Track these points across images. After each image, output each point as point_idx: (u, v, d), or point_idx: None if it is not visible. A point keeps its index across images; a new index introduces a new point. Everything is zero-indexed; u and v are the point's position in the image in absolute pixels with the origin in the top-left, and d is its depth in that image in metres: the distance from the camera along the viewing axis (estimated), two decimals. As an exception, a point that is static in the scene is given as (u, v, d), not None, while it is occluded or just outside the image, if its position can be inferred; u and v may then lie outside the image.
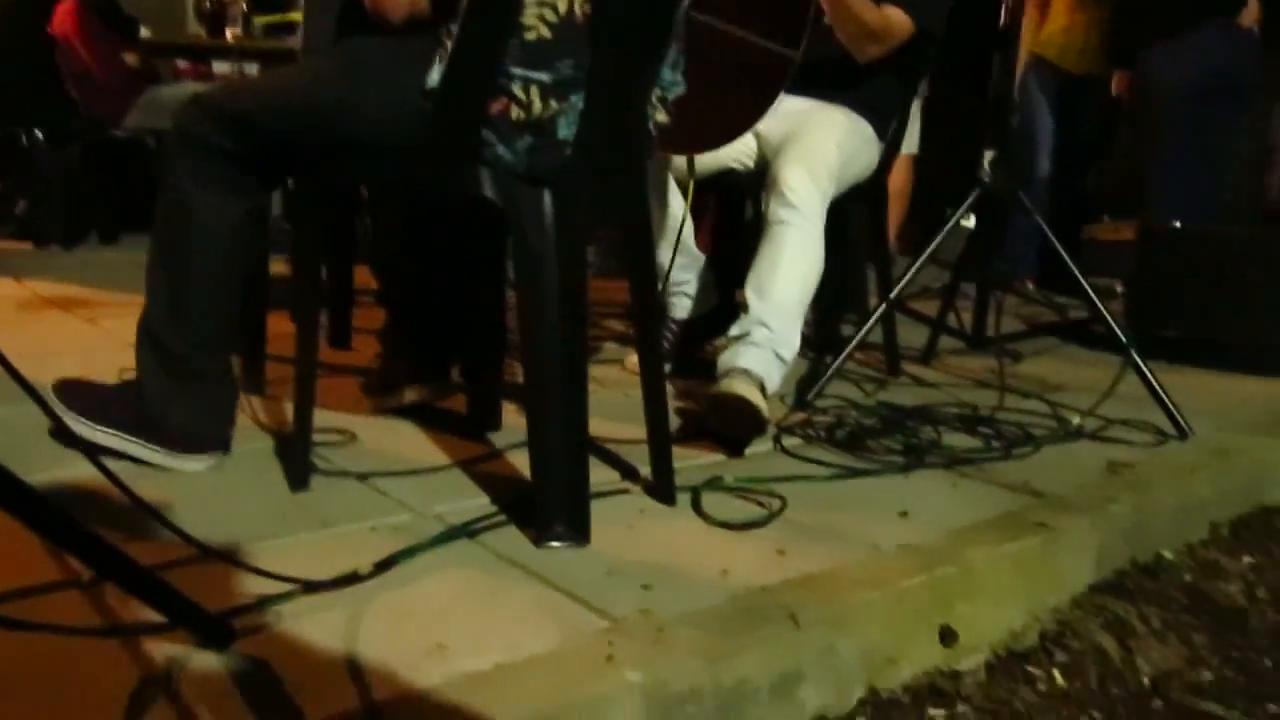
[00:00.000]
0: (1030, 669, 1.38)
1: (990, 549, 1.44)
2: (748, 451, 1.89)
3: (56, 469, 1.54)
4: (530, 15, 1.35)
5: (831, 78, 2.27)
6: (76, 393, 1.65)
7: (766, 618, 1.19)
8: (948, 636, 1.33)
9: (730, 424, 1.89)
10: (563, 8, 1.36)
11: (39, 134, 4.41)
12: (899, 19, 2.24)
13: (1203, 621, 1.55)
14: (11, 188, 4.87)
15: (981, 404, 2.24)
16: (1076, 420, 2.13)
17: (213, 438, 1.63)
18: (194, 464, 1.61)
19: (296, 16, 4.95)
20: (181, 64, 5.79)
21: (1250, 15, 3.49)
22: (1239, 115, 3.73)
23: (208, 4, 5.24)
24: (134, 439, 1.60)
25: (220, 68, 5.71)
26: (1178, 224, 3.11)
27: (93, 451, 1.09)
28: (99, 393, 1.66)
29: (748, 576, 1.31)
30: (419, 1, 1.44)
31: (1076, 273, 2.34)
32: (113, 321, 2.79)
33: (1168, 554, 1.74)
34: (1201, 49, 3.46)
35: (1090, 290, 2.32)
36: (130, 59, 4.47)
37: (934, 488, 1.73)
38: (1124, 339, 2.21)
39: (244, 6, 5.36)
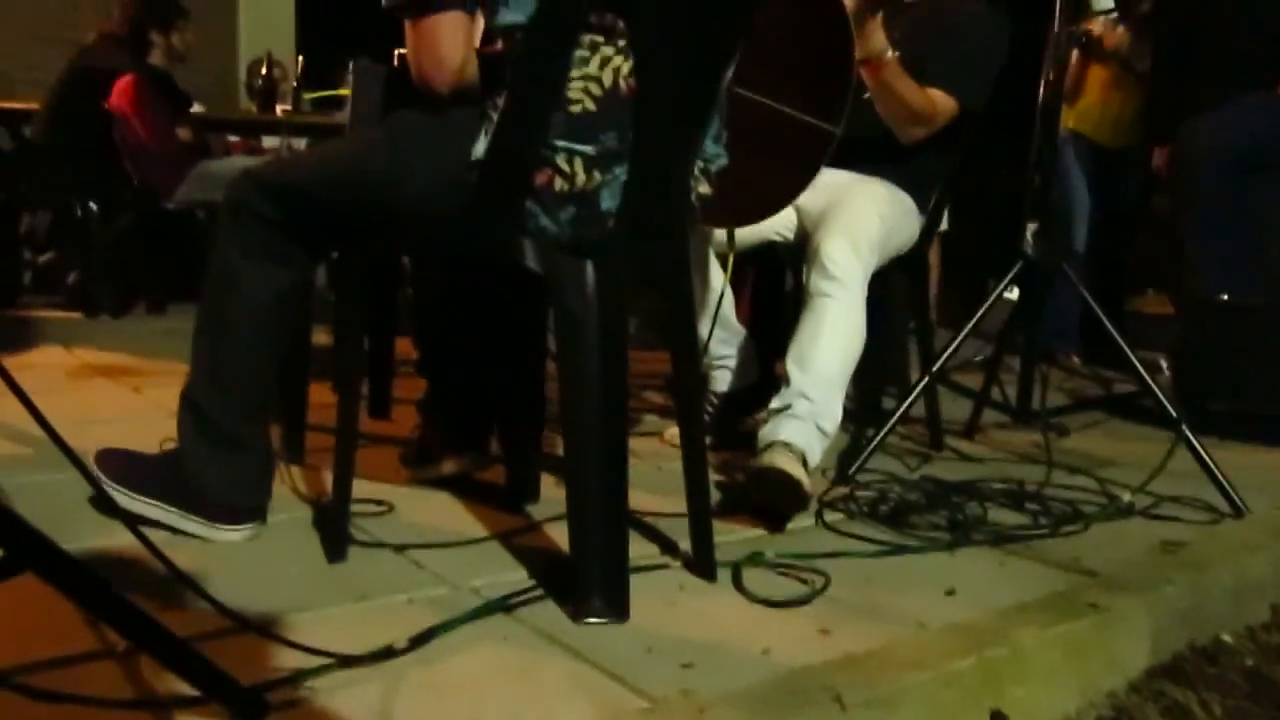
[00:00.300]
0: (1086, 757, 1.32)
1: (1041, 630, 1.40)
2: (789, 526, 1.86)
3: (96, 538, 1.55)
4: (575, 89, 1.37)
5: (872, 152, 2.28)
6: (118, 462, 1.66)
7: (810, 699, 1.15)
8: (999, 721, 1.29)
9: (772, 498, 1.87)
10: (608, 81, 1.38)
11: (93, 206, 4.51)
12: (944, 101, 2.25)
13: (1265, 708, 1.49)
14: (64, 258, 4.98)
15: (1028, 479, 2.19)
16: (1127, 497, 2.08)
17: (249, 508, 1.63)
18: (231, 534, 1.61)
19: (345, 91, 5.07)
20: (232, 139, 5.93)
21: None
22: (1278, 186, 3.70)
23: (260, 80, 5.38)
24: (172, 509, 1.60)
25: (270, 142, 5.85)
26: (1224, 296, 3.06)
27: (131, 520, 1.09)
28: (140, 463, 1.67)
29: (790, 656, 1.28)
30: (465, 72, 1.45)
31: (1124, 345, 2.31)
32: (157, 391, 2.82)
33: (1227, 637, 1.68)
34: (1242, 120, 3.45)
35: (1138, 364, 2.29)
36: (184, 134, 4.59)
37: (980, 565, 1.69)
38: (1174, 414, 2.17)
39: (294, 83, 5.51)
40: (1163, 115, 3.85)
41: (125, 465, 1.65)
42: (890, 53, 2.14)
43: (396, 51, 1.51)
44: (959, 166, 2.44)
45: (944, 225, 3.77)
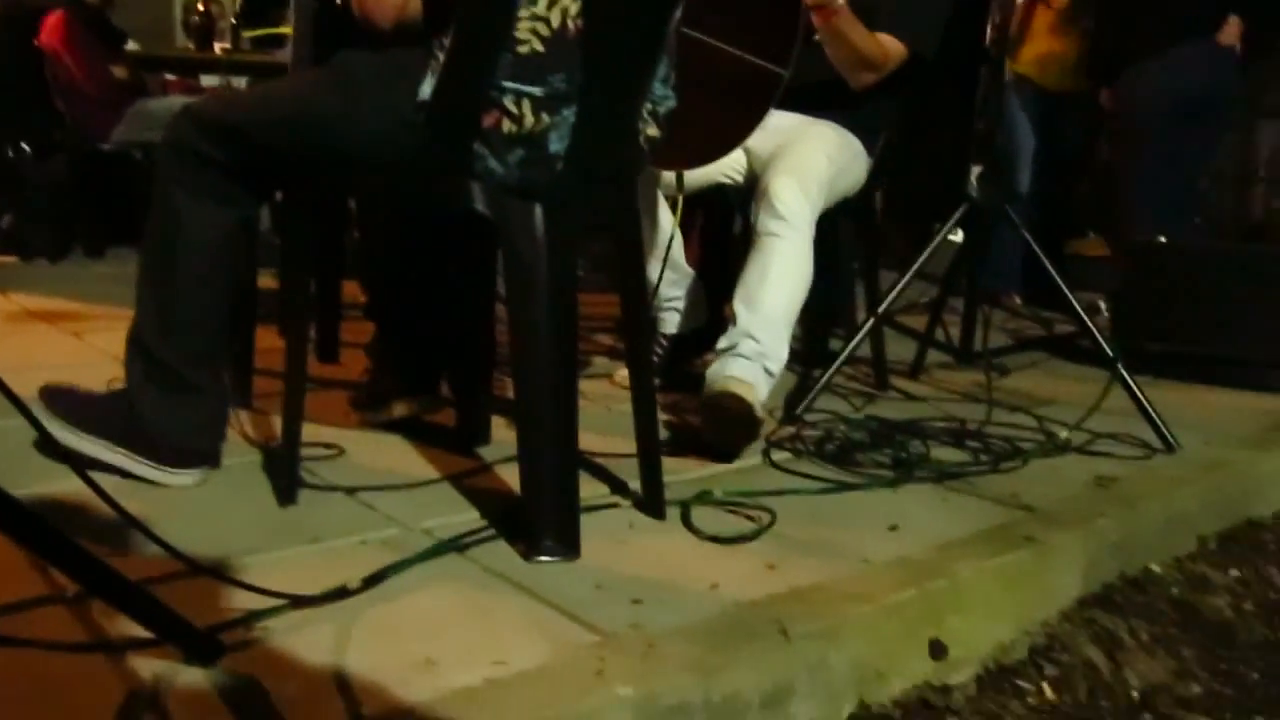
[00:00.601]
0: (1020, 683, 1.38)
1: (979, 563, 1.45)
2: (737, 465, 1.89)
3: (43, 483, 1.53)
4: (523, 29, 1.36)
5: (821, 96, 2.28)
6: (63, 399, 1.63)
7: (757, 632, 1.19)
8: (938, 650, 1.33)
9: (724, 426, 1.89)
10: (555, 22, 1.37)
11: (25, 147, 4.39)
12: (894, 47, 2.25)
13: (1191, 635, 1.56)
14: (-3, 201, 4.86)
15: (969, 418, 2.24)
16: (1064, 434, 2.14)
17: (202, 451, 1.63)
18: (182, 478, 1.60)
19: (286, 30, 4.95)
20: (169, 77, 5.77)
21: (1229, 34, 3.55)
22: (1216, 132, 3.78)
23: (196, 17, 5.23)
24: (121, 449, 1.58)
25: (208, 81, 5.70)
26: (1162, 239, 3.13)
27: (79, 465, 1.08)
28: (87, 400, 1.65)
29: (738, 590, 1.31)
30: (409, 6, 1.43)
31: (1064, 287, 2.35)
32: (99, 335, 2.77)
33: (1155, 568, 1.75)
34: (1182, 67, 3.51)
35: (1077, 305, 2.34)
36: (119, 72, 4.47)
37: (923, 502, 1.74)
38: (1110, 353, 2.22)
39: (233, 20, 5.36)
40: (1106, 58, 3.89)
41: (71, 403, 1.63)
42: None
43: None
44: (907, 109, 2.46)
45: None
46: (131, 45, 4.87)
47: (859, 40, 2.19)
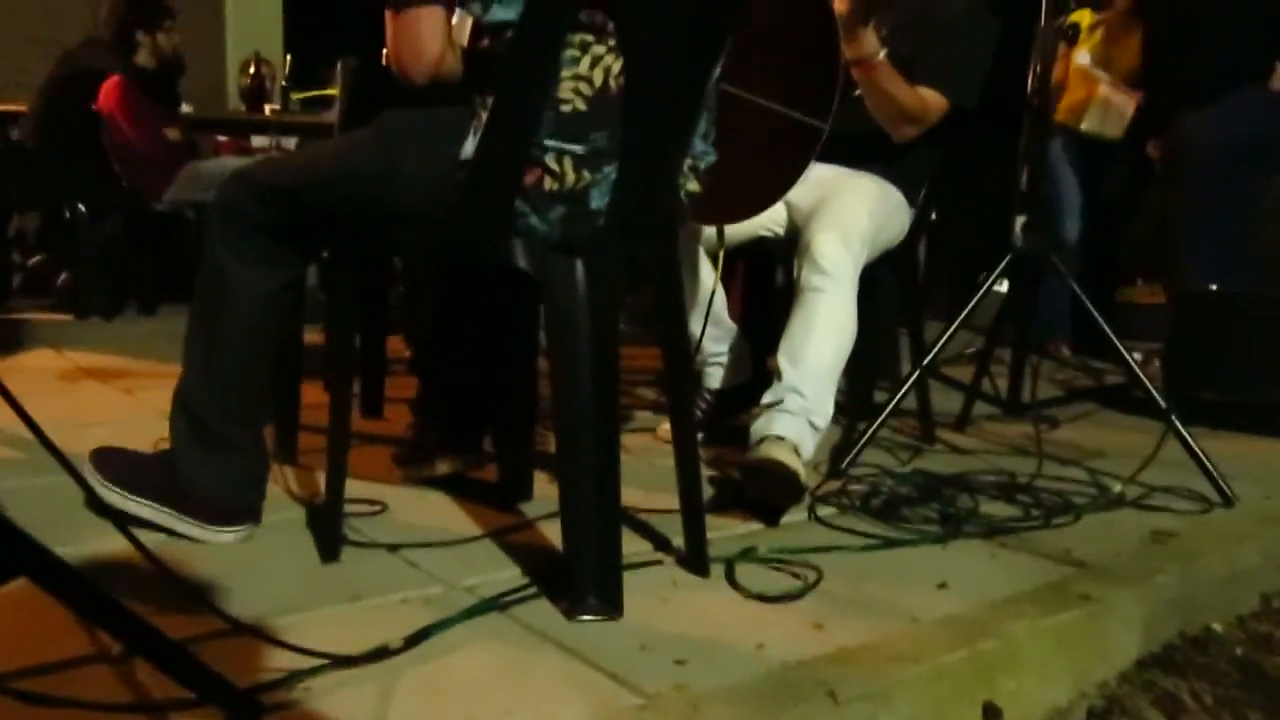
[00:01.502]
0: (1078, 747, 1.33)
1: (1033, 621, 1.41)
2: (782, 521, 1.86)
3: (90, 542, 1.55)
4: (566, 88, 1.37)
5: (862, 148, 2.28)
6: (111, 462, 1.66)
7: (804, 694, 1.16)
8: (991, 714, 1.30)
9: (767, 490, 1.87)
10: (598, 80, 1.38)
11: (81, 207, 4.50)
12: (935, 100, 2.25)
13: (1256, 697, 1.50)
14: (54, 259, 4.97)
15: (1019, 471, 2.20)
16: (1118, 488, 2.09)
17: (243, 509, 1.64)
18: (225, 536, 1.61)
19: (333, 91, 5.06)
20: (221, 139, 5.92)
21: (1279, 80, 3.52)
22: (1268, 177, 3.74)
23: (248, 80, 5.37)
24: (166, 509, 1.60)
25: (259, 142, 5.84)
26: (1214, 286, 3.08)
27: (123, 523, 1.09)
28: (134, 462, 1.67)
29: (784, 650, 1.28)
30: (443, 65, 1.46)
31: (1112, 336, 2.32)
32: (149, 392, 2.81)
33: (1217, 626, 1.69)
34: (1235, 112, 3.49)
35: (1127, 354, 2.30)
36: (172, 134, 4.58)
37: (972, 558, 1.70)
38: (1164, 404, 2.18)
39: (282, 82, 5.50)
40: (1156, 108, 3.87)
41: (119, 465, 1.65)
42: (881, 54, 2.14)
43: (384, 51, 1.51)
44: (948, 160, 2.45)
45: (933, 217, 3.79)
46: (186, 108, 5.00)
47: (899, 93, 2.19)
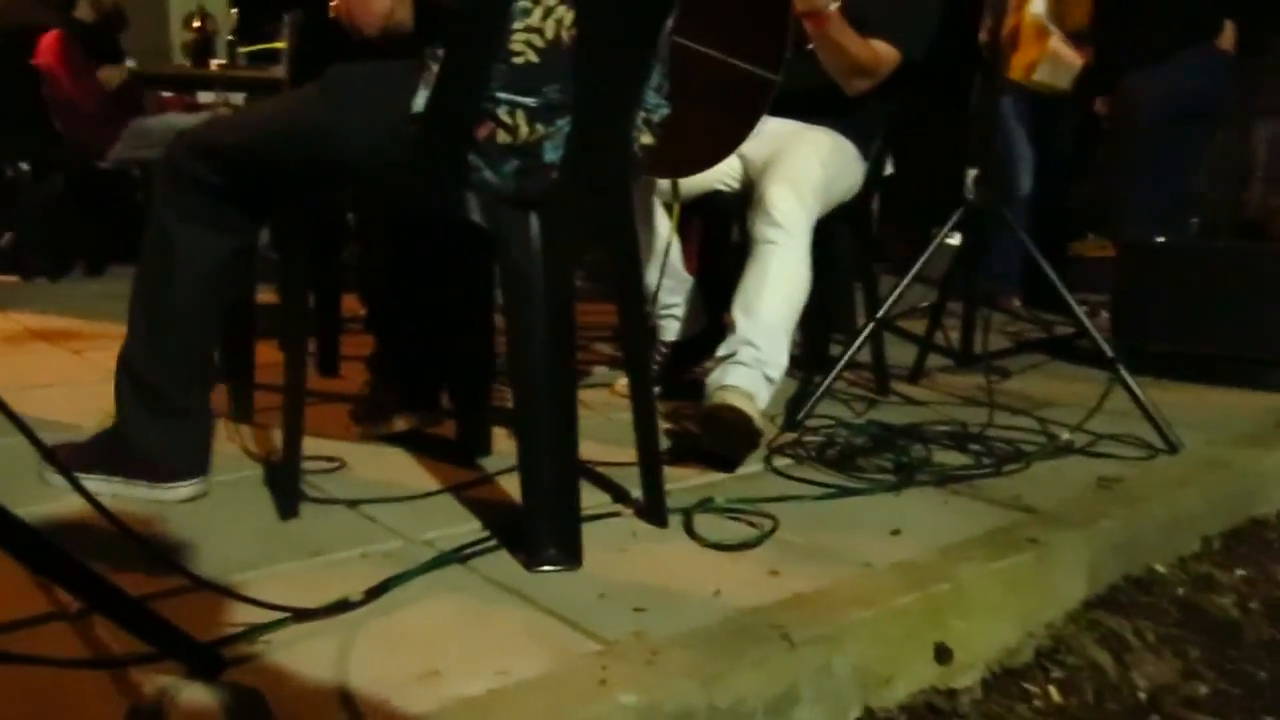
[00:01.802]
0: (1026, 686, 1.37)
1: (983, 565, 1.44)
2: (739, 472, 1.89)
3: (46, 503, 1.54)
4: (517, 40, 1.36)
5: (815, 102, 2.28)
6: (65, 453, 1.63)
7: (760, 638, 1.18)
8: (943, 654, 1.33)
9: (724, 438, 1.89)
10: (550, 33, 1.37)
11: (24, 166, 4.40)
12: (887, 52, 2.25)
13: (1197, 635, 1.55)
14: (-3, 221, 4.87)
15: (971, 421, 2.24)
16: (1066, 436, 2.14)
17: (190, 467, 1.62)
18: (175, 492, 1.60)
19: (281, 45, 4.96)
20: (166, 95, 5.79)
21: (1226, 40, 3.59)
22: (1211, 134, 3.82)
23: (193, 34, 5.25)
24: (116, 478, 1.59)
25: (206, 98, 5.72)
26: (1160, 239, 3.13)
27: (78, 481, 1.08)
28: (82, 446, 1.65)
29: (741, 597, 1.31)
30: (395, 14, 1.44)
31: (1062, 288, 2.36)
32: (98, 353, 2.78)
33: (1160, 568, 1.74)
34: (1181, 72, 3.54)
35: (1076, 306, 2.34)
36: (110, 75, 4.45)
37: (925, 506, 1.73)
38: (1110, 354, 2.22)
39: (228, 37, 5.38)
40: (1104, 67, 3.91)
41: (71, 453, 1.63)
42: (833, 5, 2.14)
43: (331, 3, 1.49)
44: (901, 114, 2.46)
45: (892, 170, 3.82)
46: (129, 63, 4.88)
47: (851, 45, 2.19)
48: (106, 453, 1.60)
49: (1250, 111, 4.82)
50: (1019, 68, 4.23)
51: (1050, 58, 4.20)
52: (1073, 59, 4.16)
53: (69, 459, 1.60)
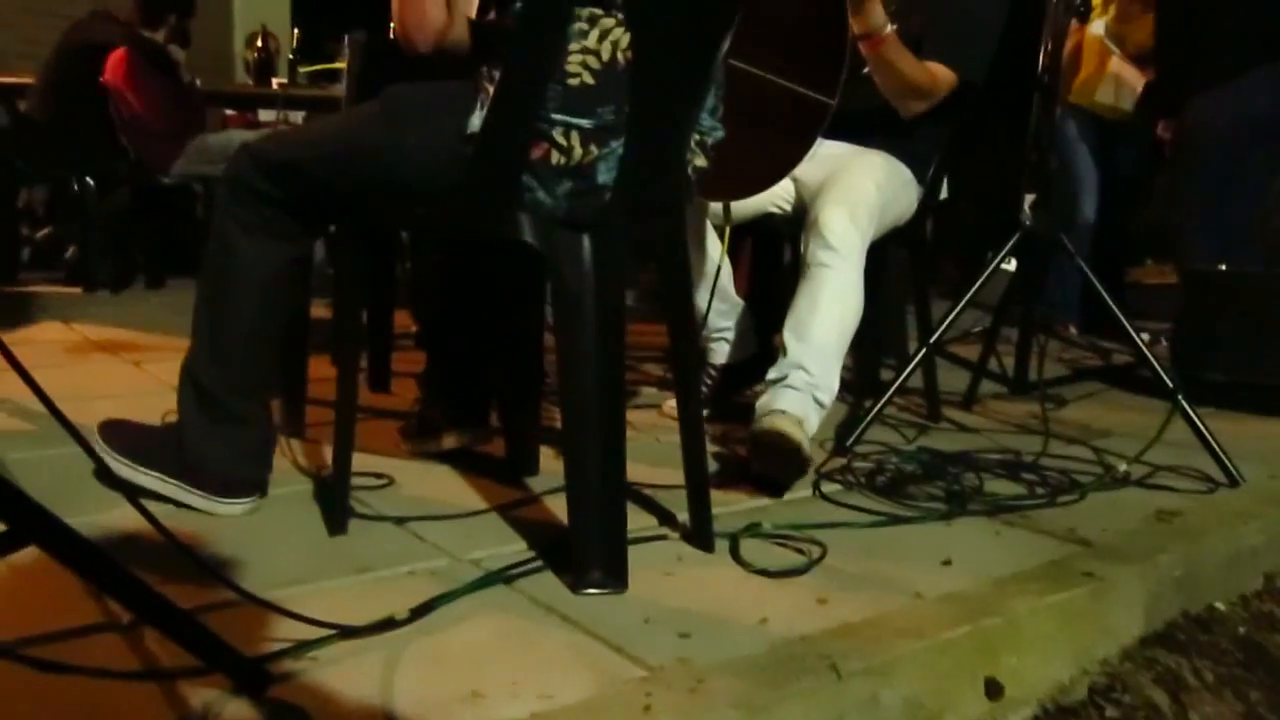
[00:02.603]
0: (1079, 724, 1.34)
1: (1036, 599, 1.41)
2: (787, 497, 1.87)
3: (99, 511, 1.56)
4: (573, 62, 1.37)
5: (870, 125, 2.27)
6: (119, 433, 1.67)
7: (807, 668, 1.17)
8: (993, 689, 1.30)
9: (771, 463, 1.88)
10: (606, 55, 1.37)
11: (89, 180, 4.50)
12: (944, 75, 2.23)
13: (1258, 676, 1.51)
14: (62, 233, 4.98)
15: (1025, 450, 2.20)
16: (1123, 467, 2.09)
17: (250, 481, 1.64)
18: (231, 508, 1.62)
19: (341, 65, 5.05)
20: (229, 112, 5.91)
21: None
22: (1277, 156, 3.72)
23: (255, 53, 5.36)
24: (173, 481, 1.61)
25: (266, 116, 5.83)
26: (1223, 266, 3.07)
27: (132, 494, 1.10)
28: (142, 434, 1.68)
29: (787, 625, 1.29)
30: (448, 34, 1.45)
31: (1120, 316, 2.31)
32: (157, 365, 2.83)
33: (1220, 605, 1.70)
34: (1248, 94, 3.46)
35: (1134, 333, 2.29)
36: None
37: (977, 535, 1.70)
38: (1170, 384, 2.17)
39: (290, 56, 5.48)
40: (1168, 89, 3.85)
41: (127, 436, 1.66)
42: (889, 28, 2.13)
43: (391, 25, 1.51)
44: (957, 137, 2.43)
45: (946, 195, 3.78)
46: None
47: (907, 68, 2.18)
48: (168, 452, 1.62)
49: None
50: (1080, 90, 4.18)
51: (1112, 79, 4.15)
52: (1135, 80, 4.11)
53: (130, 444, 1.63)
